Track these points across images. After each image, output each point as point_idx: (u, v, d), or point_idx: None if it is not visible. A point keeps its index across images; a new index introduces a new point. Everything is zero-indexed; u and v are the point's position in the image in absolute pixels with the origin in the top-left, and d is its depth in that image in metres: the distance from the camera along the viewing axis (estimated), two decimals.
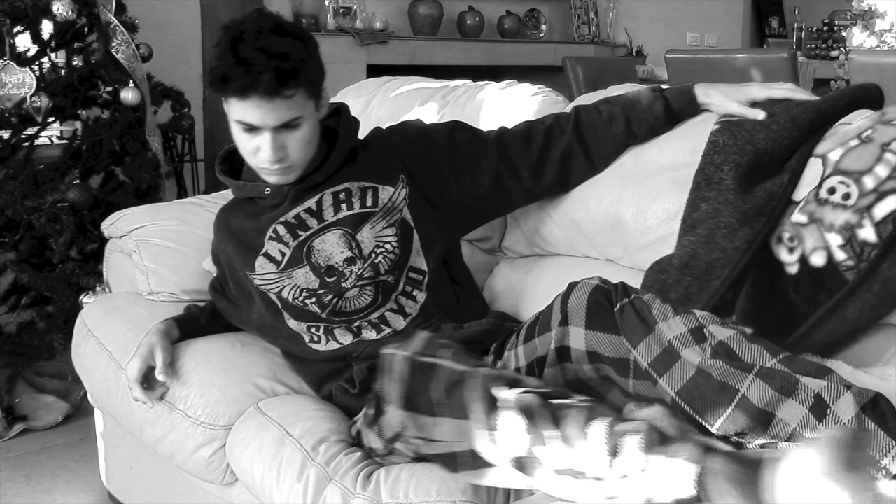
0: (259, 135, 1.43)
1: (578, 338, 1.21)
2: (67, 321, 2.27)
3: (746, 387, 1.10)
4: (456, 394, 1.17)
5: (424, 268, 1.54)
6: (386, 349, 1.27)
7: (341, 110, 1.62)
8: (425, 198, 1.57)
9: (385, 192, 1.53)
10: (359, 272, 1.50)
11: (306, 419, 1.45)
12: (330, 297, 1.50)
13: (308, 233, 1.52)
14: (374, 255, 1.50)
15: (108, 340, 1.79)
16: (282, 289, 1.54)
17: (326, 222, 1.52)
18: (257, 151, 1.45)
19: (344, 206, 1.53)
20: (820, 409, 1.07)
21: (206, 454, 1.56)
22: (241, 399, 1.57)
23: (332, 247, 1.51)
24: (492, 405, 1.13)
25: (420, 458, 1.27)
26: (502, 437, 1.11)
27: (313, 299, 1.52)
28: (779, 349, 1.18)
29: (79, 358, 1.88)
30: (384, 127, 1.67)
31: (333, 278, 1.50)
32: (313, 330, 1.54)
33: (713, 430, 1.12)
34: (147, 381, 1.59)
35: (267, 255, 1.55)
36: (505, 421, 1.11)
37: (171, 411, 1.59)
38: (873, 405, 1.06)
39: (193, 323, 1.70)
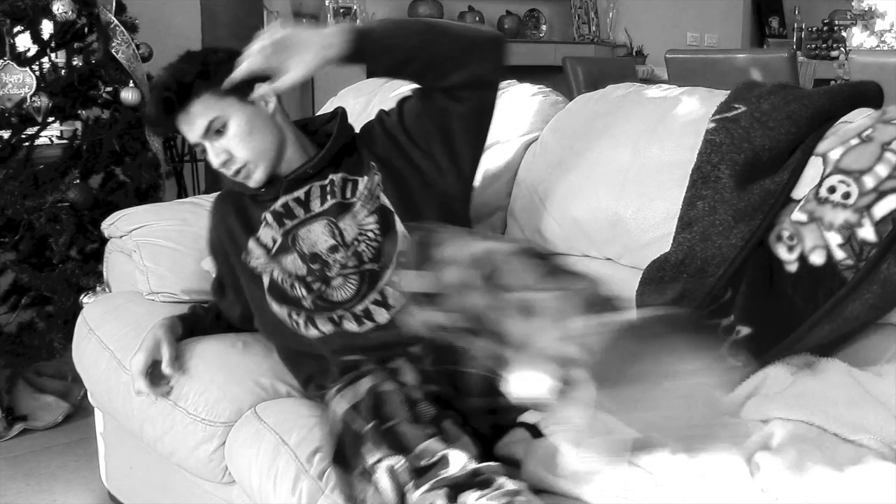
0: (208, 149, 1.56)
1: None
2: (67, 321, 2.27)
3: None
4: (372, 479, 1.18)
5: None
6: (329, 395, 1.32)
7: (338, 113, 1.68)
8: (401, 179, 1.57)
9: (362, 183, 1.57)
10: (343, 261, 1.51)
11: (302, 426, 1.44)
12: (318, 284, 1.53)
13: (294, 222, 1.56)
14: (356, 243, 1.52)
15: (109, 339, 1.79)
16: (272, 271, 1.57)
17: (313, 212, 1.56)
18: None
19: (329, 196, 1.56)
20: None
21: (206, 452, 1.56)
22: (241, 396, 1.57)
23: (316, 236, 1.54)
24: (403, 499, 1.13)
25: None
26: None
27: (300, 283, 1.54)
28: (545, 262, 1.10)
29: (80, 356, 1.88)
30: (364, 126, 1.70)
31: (317, 265, 1.53)
32: (294, 315, 1.54)
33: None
34: (151, 376, 1.59)
35: (258, 241, 1.59)
36: None
37: (172, 408, 1.60)
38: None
39: (197, 321, 1.72)
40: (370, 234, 1.53)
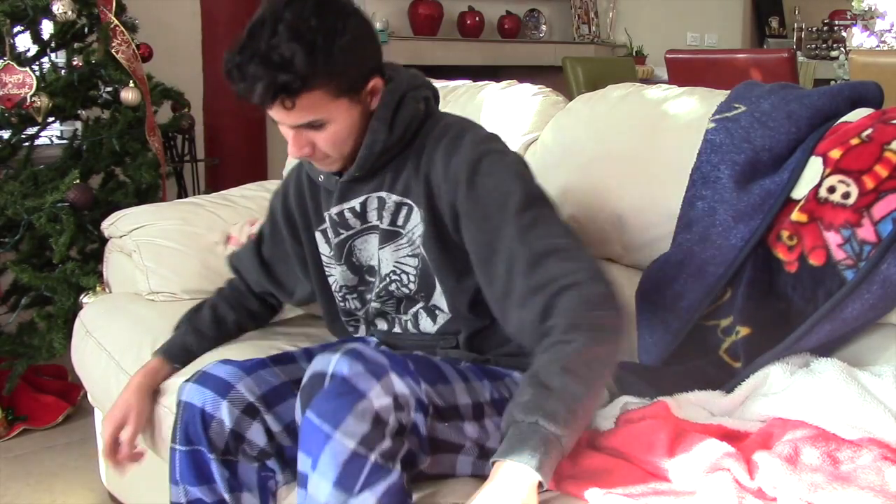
0: (286, 128, 1.33)
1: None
2: (67, 321, 2.27)
3: None
4: None
5: (445, 308, 1.41)
6: None
7: (382, 103, 1.37)
8: (446, 245, 1.38)
9: (415, 216, 1.38)
10: (377, 288, 1.44)
11: None
12: (368, 295, 1.46)
13: (350, 232, 1.45)
14: (388, 279, 1.42)
15: (107, 340, 1.79)
16: (330, 275, 1.52)
17: (370, 223, 1.43)
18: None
19: (385, 214, 1.41)
20: None
21: None
22: None
23: (373, 247, 1.43)
24: None
25: None
26: None
27: (354, 295, 1.48)
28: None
29: (79, 358, 1.88)
30: (448, 136, 1.37)
31: (373, 279, 1.45)
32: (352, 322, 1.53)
33: None
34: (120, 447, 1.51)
35: (324, 233, 1.50)
36: None
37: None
38: None
39: (188, 355, 1.62)
40: (404, 278, 1.41)
